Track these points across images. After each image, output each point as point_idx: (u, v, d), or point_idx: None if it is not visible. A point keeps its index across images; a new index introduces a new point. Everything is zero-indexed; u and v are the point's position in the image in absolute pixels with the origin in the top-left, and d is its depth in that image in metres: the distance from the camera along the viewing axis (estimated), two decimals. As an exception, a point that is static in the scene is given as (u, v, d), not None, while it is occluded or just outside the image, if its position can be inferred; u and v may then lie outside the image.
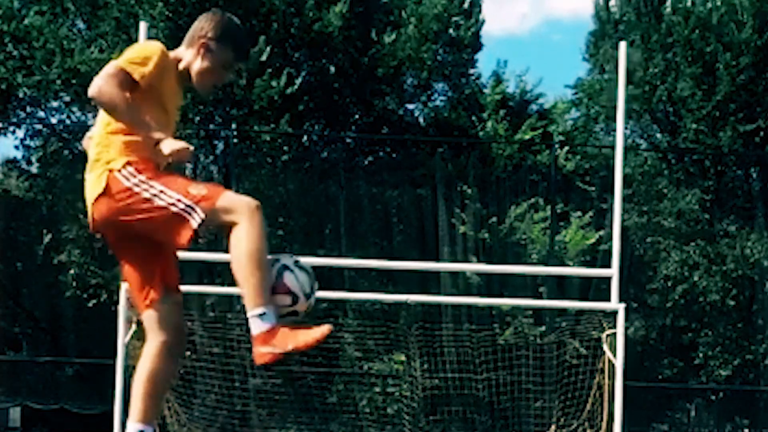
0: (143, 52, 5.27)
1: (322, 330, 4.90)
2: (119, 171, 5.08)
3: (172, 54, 5.44)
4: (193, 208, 4.95)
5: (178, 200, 4.97)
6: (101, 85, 5.05)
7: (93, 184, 5.17)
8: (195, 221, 4.94)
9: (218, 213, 4.95)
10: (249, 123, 25.56)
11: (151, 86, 5.22)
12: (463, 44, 27.63)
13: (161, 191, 5.00)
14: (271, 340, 4.97)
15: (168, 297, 5.22)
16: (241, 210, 4.94)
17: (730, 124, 26.46)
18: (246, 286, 4.95)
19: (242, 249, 4.90)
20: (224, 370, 18.68)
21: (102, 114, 5.27)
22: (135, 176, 5.05)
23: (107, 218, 5.17)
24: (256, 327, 5.03)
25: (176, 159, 5.01)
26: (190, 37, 5.44)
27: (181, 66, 5.41)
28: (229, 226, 4.94)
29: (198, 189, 5.02)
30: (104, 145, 5.19)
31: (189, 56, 5.41)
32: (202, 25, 5.42)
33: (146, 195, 5.02)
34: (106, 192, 5.09)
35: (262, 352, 5.02)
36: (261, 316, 4.98)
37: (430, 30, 26.50)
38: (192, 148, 5.01)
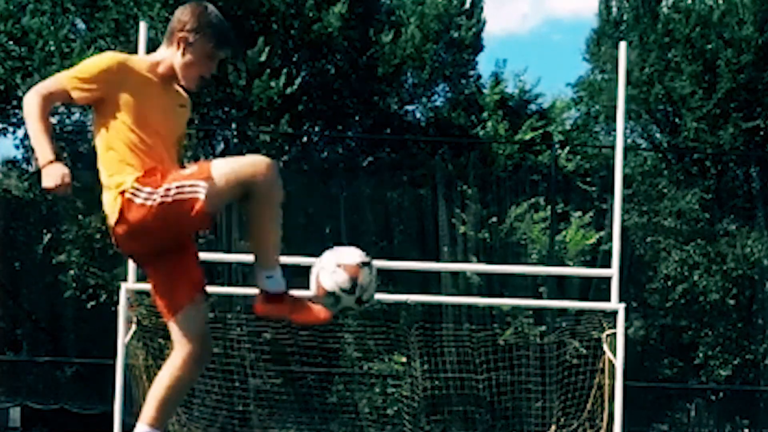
0: (92, 69, 5.19)
1: (319, 314, 5.07)
2: (129, 192, 5.07)
3: (148, 59, 5.37)
4: (193, 185, 4.96)
5: (179, 187, 4.97)
6: (32, 95, 5.13)
7: (109, 207, 5.17)
8: (201, 193, 4.93)
9: (223, 182, 4.95)
10: (248, 124, 25.56)
11: (108, 102, 5.17)
12: (464, 45, 27.62)
13: (166, 190, 4.99)
14: (275, 302, 5.12)
15: (193, 305, 5.26)
16: (250, 167, 4.98)
17: (732, 121, 26.42)
18: (264, 245, 5.14)
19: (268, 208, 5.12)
20: (224, 370, 18.67)
21: (96, 135, 5.24)
22: (142, 191, 5.04)
23: (129, 238, 5.17)
24: (264, 286, 5.17)
25: (49, 191, 4.98)
26: (169, 33, 5.33)
27: (161, 69, 5.32)
28: (245, 191, 4.98)
29: (191, 168, 5.06)
30: (109, 167, 5.17)
31: (169, 54, 5.32)
32: (179, 18, 5.32)
33: (156, 202, 5.01)
34: (122, 216, 5.09)
35: (261, 306, 5.20)
36: (269, 278, 5.14)
37: (431, 30, 26.49)
38: (67, 181, 4.94)
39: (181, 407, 15.65)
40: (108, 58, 5.24)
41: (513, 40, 58.71)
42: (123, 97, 5.17)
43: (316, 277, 5.22)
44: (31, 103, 5.13)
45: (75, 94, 5.16)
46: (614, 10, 28.98)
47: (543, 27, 64.06)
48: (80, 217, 25.70)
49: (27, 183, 27.57)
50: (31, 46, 25.41)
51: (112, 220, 5.14)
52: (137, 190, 5.04)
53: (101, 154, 5.21)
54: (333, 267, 5.19)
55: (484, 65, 71.16)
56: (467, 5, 27.92)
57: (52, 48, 24.95)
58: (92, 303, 25.13)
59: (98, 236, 25.50)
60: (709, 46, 26.54)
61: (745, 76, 26.48)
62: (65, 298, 25.81)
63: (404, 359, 22.07)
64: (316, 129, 27.51)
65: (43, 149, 5.01)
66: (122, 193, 5.07)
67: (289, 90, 24.82)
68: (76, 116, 27.67)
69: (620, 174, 12.56)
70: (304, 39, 25.88)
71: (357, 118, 27.63)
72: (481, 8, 28.17)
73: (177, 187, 4.98)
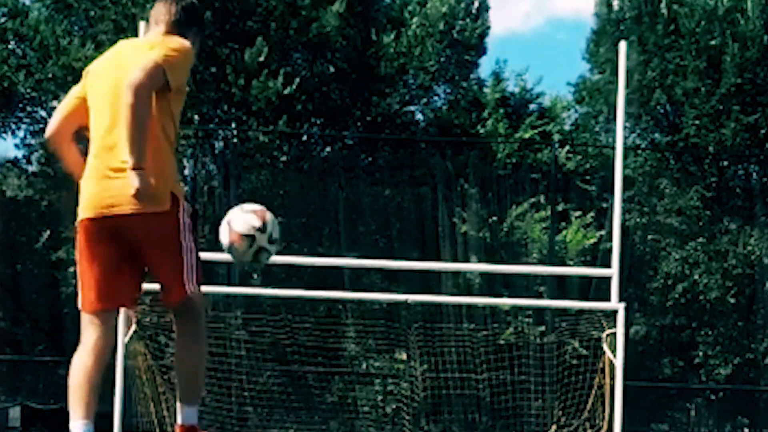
0: (185, 55, 5.22)
1: None
2: (181, 212, 5.20)
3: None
4: (196, 280, 5.26)
5: (194, 267, 5.25)
6: (143, 85, 4.99)
7: (151, 196, 5.12)
8: (189, 289, 5.23)
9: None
10: (248, 123, 25.55)
11: (178, 92, 5.25)
12: (468, 46, 27.59)
13: (191, 249, 5.23)
14: None
15: (114, 314, 5.39)
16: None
17: (734, 115, 26.32)
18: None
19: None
20: (224, 370, 18.66)
21: (164, 126, 5.19)
22: (186, 219, 5.22)
23: (139, 228, 5.19)
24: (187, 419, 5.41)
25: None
26: (184, 21, 5.44)
27: None
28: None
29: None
30: (164, 157, 5.17)
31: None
32: (196, 11, 5.52)
33: (185, 244, 5.21)
34: (161, 213, 5.15)
35: None
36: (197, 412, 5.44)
37: (436, 31, 26.44)
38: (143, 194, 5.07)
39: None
40: (191, 47, 5.31)
41: (516, 39, 58.66)
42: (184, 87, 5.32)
43: (228, 228, 5.46)
44: (147, 102, 5.01)
45: (173, 85, 5.16)
46: (615, 9, 28.85)
47: (546, 26, 63.99)
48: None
49: (26, 182, 27.56)
50: (32, 41, 25.34)
51: (148, 207, 5.12)
52: (187, 212, 5.23)
53: (163, 142, 5.20)
54: (241, 214, 5.47)
55: (486, 64, 71.09)
56: (473, 9, 27.86)
57: (50, 43, 24.87)
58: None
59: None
60: (714, 42, 26.45)
61: (749, 74, 26.43)
62: (65, 297, 25.80)
63: (404, 359, 22.05)
64: (315, 129, 27.49)
65: (143, 153, 5.01)
66: (177, 198, 5.20)
67: (287, 90, 24.80)
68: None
69: (620, 174, 12.55)
70: (302, 38, 25.86)
71: (357, 117, 27.60)
72: (487, 11, 28.13)
73: (193, 266, 5.25)
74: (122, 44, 5.45)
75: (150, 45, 5.24)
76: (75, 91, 5.39)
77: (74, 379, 5.29)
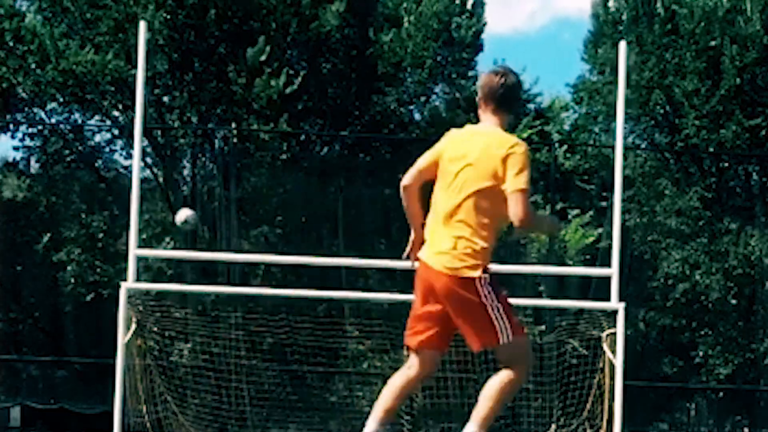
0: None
1: None
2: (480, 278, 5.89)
3: None
4: (508, 331, 5.81)
5: (505, 313, 5.85)
6: (529, 217, 5.88)
7: (455, 265, 6.00)
8: (502, 339, 5.78)
9: (514, 348, 5.79)
10: (248, 122, 25.55)
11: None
12: (464, 44, 27.57)
13: (498, 306, 5.84)
14: None
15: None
16: (522, 362, 5.81)
17: (735, 119, 26.32)
18: (482, 408, 5.85)
19: (498, 386, 5.85)
20: (223, 369, 18.67)
21: (473, 195, 6.06)
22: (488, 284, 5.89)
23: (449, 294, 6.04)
24: None
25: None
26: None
27: None
28: (506, 364, 5.82)
29: (516, 319, 5.86)
30: (475, 239, 6.00)
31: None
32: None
33: (489, 301, 5.88)
34: (465, 282, 5.91)
35: None
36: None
37: (430, 29, 26.45)
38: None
39: (179, 407, 15.65)
40: None
41: (521, 39, 58.65)
42: None
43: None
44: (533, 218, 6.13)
45: None
46: (612, 9, 28.83)
47: (551, 26, 63.99)
48: (80, 216, 25.70)
49: (26, 183, 27.56)
50: (29, 44, 25.30)
51: (455, 272, 5.97)
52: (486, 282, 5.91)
53: (477, 224, 6.08)
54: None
55: (485, 64, 70.97)
56: (468, 5, 27.85)
57: (48, 47, 24.84)
58: (93, 303, 25.13)
59: (101, 235, 25.52)
60: (714, 43, 26.44)
61: (749, 75, 26.42)
62: (66, 297, 25.81)
63: (404, 359, 22.00)
64: (315, 128, 27.49)
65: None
66: (482, 270, 5.89)
67: (289, 89, 24.81)
68: (75, 116, 27.65)
69: (620, 174, 12.57)
70: (302, 38, 25.87)
71: (356, 116, 27.60)
72: (483, 8, 28.10)
73: (504, 312, 5.84)
74: (484, 132, 6.37)
75: (508, 146, 6.25)
76: (434, 152, 6.46)
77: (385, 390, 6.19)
